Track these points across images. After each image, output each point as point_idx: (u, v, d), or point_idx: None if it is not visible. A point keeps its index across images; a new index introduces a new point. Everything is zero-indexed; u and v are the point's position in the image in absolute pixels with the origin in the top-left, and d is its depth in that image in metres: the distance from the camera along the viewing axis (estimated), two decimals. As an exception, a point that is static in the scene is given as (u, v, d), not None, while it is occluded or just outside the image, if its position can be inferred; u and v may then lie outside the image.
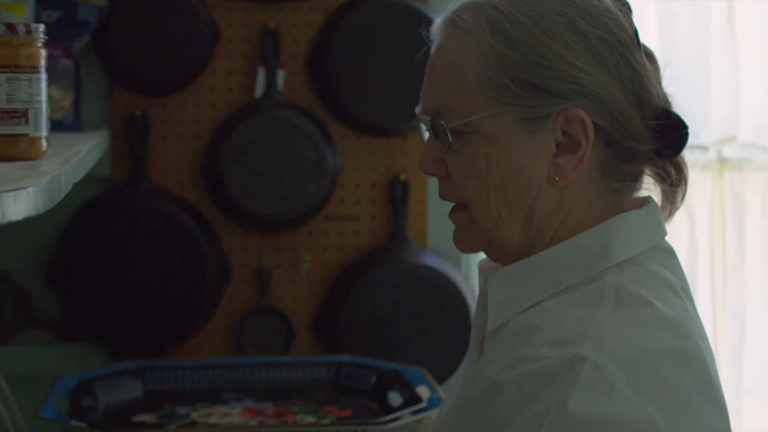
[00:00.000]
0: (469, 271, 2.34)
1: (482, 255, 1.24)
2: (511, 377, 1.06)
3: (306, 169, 2.22)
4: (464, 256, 2.36)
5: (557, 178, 1.14)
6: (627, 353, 1.05)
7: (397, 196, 2.29)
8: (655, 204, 1.22)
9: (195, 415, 1.89)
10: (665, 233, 1.21)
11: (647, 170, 1.23)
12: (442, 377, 2.19)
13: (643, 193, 1.23)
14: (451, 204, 1.22)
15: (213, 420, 1.86)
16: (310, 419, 1.86)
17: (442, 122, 1.16)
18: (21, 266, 2.24)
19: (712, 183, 2.49)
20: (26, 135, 1.35)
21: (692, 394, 1.07)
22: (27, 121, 1.35)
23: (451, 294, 2.24)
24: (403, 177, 2.29)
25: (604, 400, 1.02)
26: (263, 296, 2.27)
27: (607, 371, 1.03)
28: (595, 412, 1.02)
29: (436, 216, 2.33)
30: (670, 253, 1.20)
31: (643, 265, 1.15)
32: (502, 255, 1.19)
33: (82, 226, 2.20)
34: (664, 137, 1.18)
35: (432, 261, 2.27)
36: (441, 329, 2.24)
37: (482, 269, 1.24)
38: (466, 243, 1.21)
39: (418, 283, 2.24)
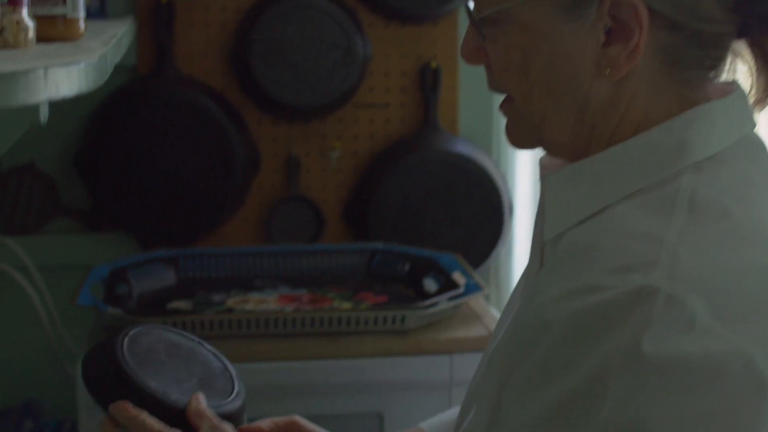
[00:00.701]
0: (499, 158, 2.32)
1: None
2: (566, 314, 0.92)
3: (335, 57, 2.19)
4: (495, 143, 2.34)
5: (609, 71, 1.00)
6: (706, 277, 0.92)
7: (427, 83, 2.26)
8: (742, 91, 1.05)
9: (230, 302, 1.88)
10: (754, 125, 1.05)
11: (732, 50, 1.04)
12: (474, 265, 2.18)
13: (728, 77, 1.06)
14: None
15: (249, 306, 1.86)
16: (347, 305, 1.86)
17: (474, 10, 1.04)
18: (47, 156, 2.22)
19: None
20: (64, 16, 1.33)
21: None
22: (64, 2, 1.33)
23: (483, 181, 2.22)
24: (434, 64, 2.25)
25: (684, 338, 0.89)
26: (292, 185, 2.25)
27: (684, 303, 0.90)
28: (677, 352, 0.89)
29: (466, 103, 2.30)
30: (760, 147, 1.04)
31: (727, 163, 1.00)
32: (556, 154, 1.07)
33: (108, 115, 2.17)
34: (751, 10, 1.01)
35: (463, 148, 2.24)
36: (472, 217, 2.22)
37: (544, 166, 1.12)
38: (516, 139, 1.09)
39: (448, 170, 2.22)
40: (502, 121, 2.28)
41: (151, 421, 1.16)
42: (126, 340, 1.23)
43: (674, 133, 1.00)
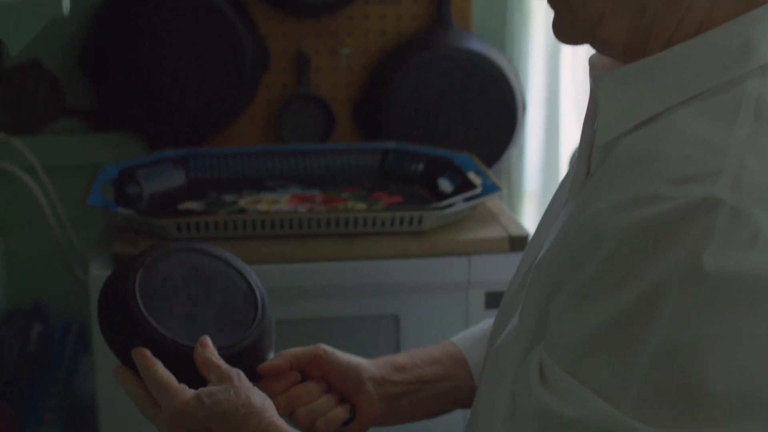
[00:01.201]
0: (513, 55, 2.27)
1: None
2: (621, 225, 0.88)
3: (345, -50, 2.13)
4: (508, 39, 2.28)
5: None
6: None
7: (439, -23, 2.20)
8: None
9: (242, 202, 1.85)
10: None
11: None
12: (487, 164, 2.14)
13: None
14: None
15: (262, 207, 1.83)
16: (361, 206, 1.83)
17: None
18: (52, 54, 2.16)
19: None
20: None
21: None
22: None
23: (496, 79, 2.17)
24: (446, -43, 2.20)
25: (748, 253, 0.85)
26: (302, 83, 2.21)
27: (749, 216, 0.85)
28: (739, 268, 0.85)
29: (479, -1, 2.25)
30: None
31: None
32: (607, 53, 1.01)
33: (115, 11, 2.11)
34: None
35: (476, 45, 2.19)
36: (486, 115, 2.18)
37: (594, 66, 1.06)
38: (564, 34, 1.03)
39: (461, 68, 2.17)
40: (516, 17, 2.25)
41: (162, 373, 1.14)
42: (140, 271, 1.19)
43: (739, 34, 0.94)
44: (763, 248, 0.85)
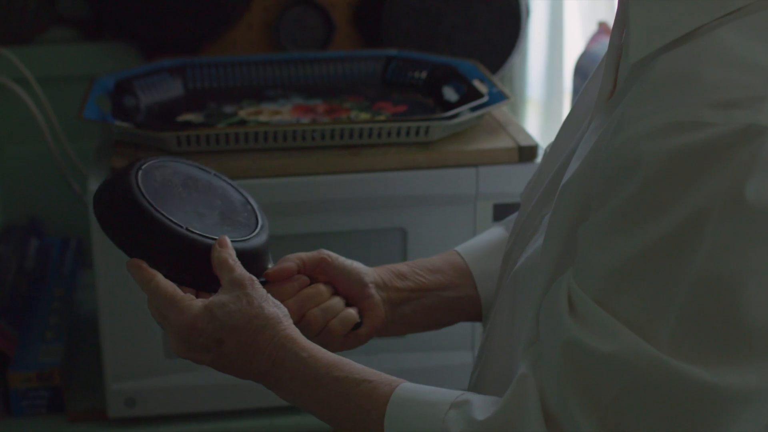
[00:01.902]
0: (517, -41, 2.20)
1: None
2: (660, 151, 0.84)
3: None
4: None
5: None
6: None
7: None
8: None
9: (243, 113, 1.80)
10: None
11: None
12: (491, 71, 2.09)
13: None
14: None
15: (263, 118, 1.78)
16: (365, 116, 1.78)
17: None
18: (41, -40, 2.09)
19: None
20: None
21: None
22: None
23: (500, -17, 2.11)
24: None
25: None
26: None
27: None
28: None
29: None
30: None
31: None
32: None
33: None
34: None
35: (479, -52, 2.12)
36: (489, 21, 2.12)
37: None
38: None
39: (464, -29, 2.11)
40: None
41: (165, 285, 1.09)
42: (139, 173, 1.14)
43: None
44: None
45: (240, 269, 1.11)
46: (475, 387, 1.18)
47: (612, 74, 1.00)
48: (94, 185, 1.62)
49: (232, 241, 1.15)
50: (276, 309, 1.09)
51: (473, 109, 1.73)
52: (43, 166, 2.05)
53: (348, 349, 1.22)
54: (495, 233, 1.33)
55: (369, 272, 1.24)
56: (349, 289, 1.23)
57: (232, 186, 1.25)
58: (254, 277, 1.11)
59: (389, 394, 1.02)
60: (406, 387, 1.03)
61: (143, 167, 1.16)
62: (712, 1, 0.89)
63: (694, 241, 0.83)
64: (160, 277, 1.10)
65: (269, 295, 1.11)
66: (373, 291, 1.23)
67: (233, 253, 1.12)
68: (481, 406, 0.97)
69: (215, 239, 1.14)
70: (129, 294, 1.50)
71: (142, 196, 1.12)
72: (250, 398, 1.70)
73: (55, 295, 1.91)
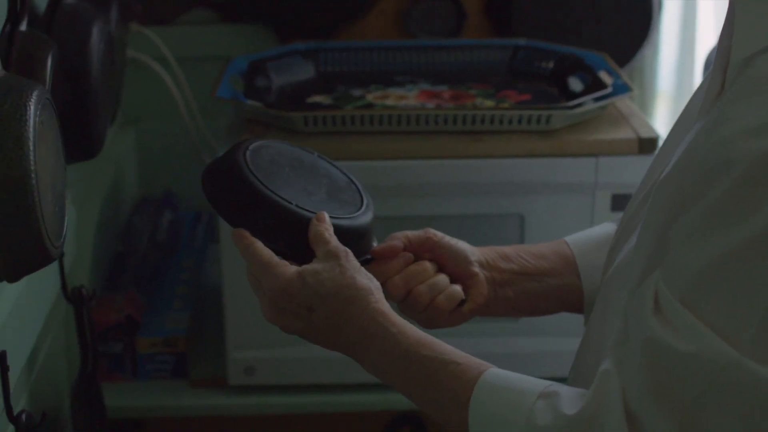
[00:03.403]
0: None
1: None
2: (753, 152, 0.83)
3: None
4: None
5: None
6: None
7: None
8: None
9: (370, 97, 1.84)
10: None
11: None
12: (619, 64, 2.10)
13: None
14: None
15: (389, 102, 1.82)
16: (489, 103, 1.80)
17: None
18: (185, -56, 2.17)
19: None
20: None
21: None
22: None
23: (632, -24, 2.12)
24: None
25: None
26: (433, -24, 2.18)
27: None
28: None
29: None
30: None
31: None
32: None
33: None
34: None
35: (612, -60, 2.13)
36: (619, 13, 2.12)
37: None
38: None
39: (597, -37, 2.11)
40: None
41: (263, 251, 1.11)
42: (248, 153, 1.17)
43: None
44: None
45: (335, 242, 1.12)
46: (573, 381, 1.18)
47: (720, 75, 0.98)
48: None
49: (338, 218, 1.17)
50: (368, 281, 1.10)
51: (596, 99, 1.74)
52: (179, 142, 2.13)
53: (452, 326, 1.24)
54: (607, 227, 1.33)
55: (474, 251, 1.26)
56: (454, 267, 1.24)
57: (336, 167, 1.27)
58: (348, 250, 1.12)
59: (477, 377, 1.02)
60: (495, 372, 1.03)
61: (251, 147, 1.19)
62: None
63: None
64: (259, 244, 1.12)
65: (362, 267, 1.12)
66: (477, 269, 1.24)
67: (330, 228, 1.13)
68: (570, 399, 0.97)
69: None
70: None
71: (251, 173, 1.15)
72: (366, 373, 1.74)
73: (185, 267, 1.98)
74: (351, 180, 1.26)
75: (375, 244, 1.23)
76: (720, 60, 0.99)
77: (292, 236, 1.14)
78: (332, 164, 1.27)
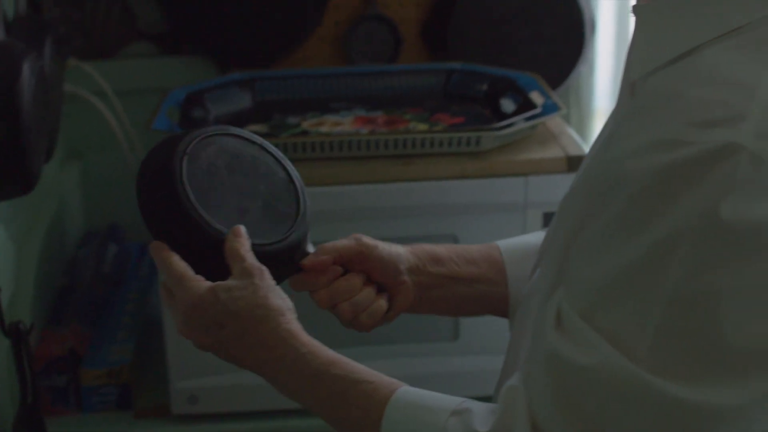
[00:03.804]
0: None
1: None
2: (642, 169, 0.85)
3: None
4: (577, -44, 2.25)
5: None
6: None
7: None
8: None
9: (306, 124, 1.87)
10: None
11: None
12: (555, 83, 2.13)
13: None
14: None
15: (324, 129, 1.84)
16: (423, 127, 1.83)
17: None
18: (123, -22, 2.19)
19: None
20: None
21: None
22: None
23: (564, -3, 2.15)
24: None
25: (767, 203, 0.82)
26: (370, 3, 2.21)
27: None
28: (758, 218, 0.82)
29: None
30: None
31: None
32: None
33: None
34: None
35: (544, -38, 2.17)
36: (554, 34, 2.16)
37: None
38: None
39: (529, -14, 2.15)
40: (584, -67, 2.21)
41: (178, 264, 1.10)
42: (185, 160, 1.13)
43: None
44: None
45: (251, 259, 1.10)
46: (496, 397, 1.19)
47: (629, 88, 0.99)
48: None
49: (269, 244, 1.16)
50: (281, 301, 1.09)
51: (527, 119, 1.77)
52: (122, 175, 2.14)
53: (373, 328, 1.24)
54: (539, 236, 1.34)
55: (405, 258, 1.26)
56: (383, 277, 1.24)
57: (277, 159, 1.24)
58: (264, 268, 1.11)
59: (389, 396, 1.02)
60: (407, 390, 1.03)
61: (189, 151, 1.14)
62: (711, 22, 0.89)
63: (671, 257, 0.84)
64: (176, 257, 1.11)
65: (277, 287, 1.12)
66: (405, 278, 1.24)
67: (247, 243, 1.11)
68: (482, 416, 0.98)
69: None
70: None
71: (182, 190, 1.11)
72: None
73: (130, 298, 2.00)
74: (290, 177, 1.23)
75: (309, 248, 1.22)
76: (625, 82, 1.01)
77: (213, 259, 1.12)
78: (273, 155, 1.24)
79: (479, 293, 1.28)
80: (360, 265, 1.24)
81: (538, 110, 1.80)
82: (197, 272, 1.11)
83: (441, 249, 1.29)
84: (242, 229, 1.12)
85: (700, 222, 0.82)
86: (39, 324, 1.82)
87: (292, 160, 1.69)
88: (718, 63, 0.87)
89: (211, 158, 1.17)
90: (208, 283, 1.09)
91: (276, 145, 1.68)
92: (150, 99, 2.01)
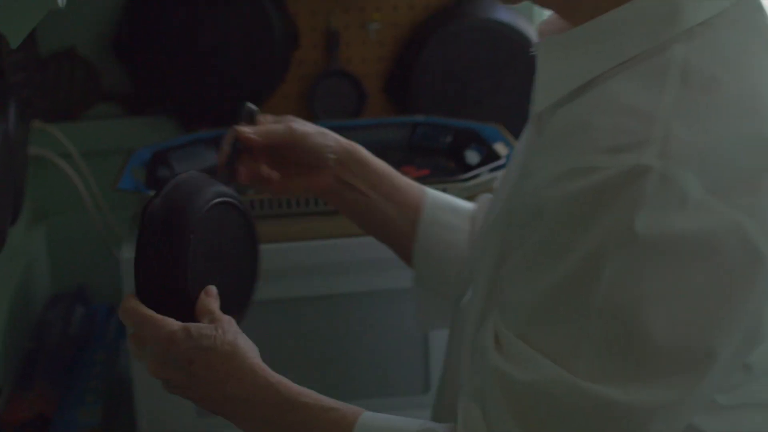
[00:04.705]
0: (542, 24, 2.26)
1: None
2: (560, 196, 0.93)
3: (370, -75, 2.14)
4: (536, 9, 2.27)
5: None
6: (698, 152, 0.91)
7: (465, -52, 2.20)
8: None
9: (271, 181, 1.87)
10: None
11: None
12: (517, 133, 2.14)
13: None
14: None
15: (290, 185, 1.85)
16: (387, 180, 1.84)
17: None
18: (87, 40, 2.20)
19: None
20: None
21: None
22: None
23: (525, 48, 2.15)
24: (471, -72, 2.19)
25: (678, 215, 0.90)
26: (333, 59, 2.22)
27: (678, 181, 0.90)
28: (670, 230, 0.90)
29: (506, -32, 2.23)
30: (759, 10, 1.02)
31: (720, 29, 0.98)
32: (546, 6, 1.07)
33: (144, -5, 2.14)
34: None
35: (504, 16, 2.19)
36: (515, 85, 2.18)
37: (542, 33, 1.12)
38: None
39: (490, 38, 2.17)
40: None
41: (146, 309, 1.14)
42: (192, 240, 1.17)
43: None
44: (692, 210, 0.90)
45: (218, 311, 1.16)
46: (434, 410, 1.29)
47: (536, 120, 1.09)
48: (128, 253, 1.69)
49: (237, 310, 1.23)
50: (248, 343, 1.14)
51: (492, 171, 1.78)
52: (89, 236, 2.13)
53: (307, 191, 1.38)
54: (467, 206, 1.43)
55: (334, 150, 1.37)
56: (308, 160, 1.35)
57: (249, 223, 1.29)
58: (232, 318, 1.16)
59: (354, 421, 1.07)
60: (371, 415, 1.09)
61: (194, 227, 1.17)
62: (605, 54, 0.98)
63: (596, 275, 0.91)
64: (143, 306, 1.15)
65: (243, 333, 1.16)
66: (329, 165, 1.35)
67: (217, 301, 1.17)
68: None
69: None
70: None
71: (183, 273, 1.16)
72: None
73: (98, 360, 1.98)
74: (255, 244, 1.30)
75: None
76: (533, 114, 1.10)
77: (185, 317, 1.17)
78: (248, 221, 1.29)
79: (387, 216, 1.39)
80: (287, 150, 1.35)
81: (502, 161, 1.81)
82: None
83: (375, 161, 1.40)
84: (213, 289, 1.18)
85: (618, 238, 0.90)
86: (6, 387, 1.81)
87: (260, 217, 1.71)
88: (618, 92, 0.95)
89: (209, 234, 1.21)
90: (180, 323, 1.13)
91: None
92: (116, 159, 2.01)
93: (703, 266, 0.91)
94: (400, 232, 1.39)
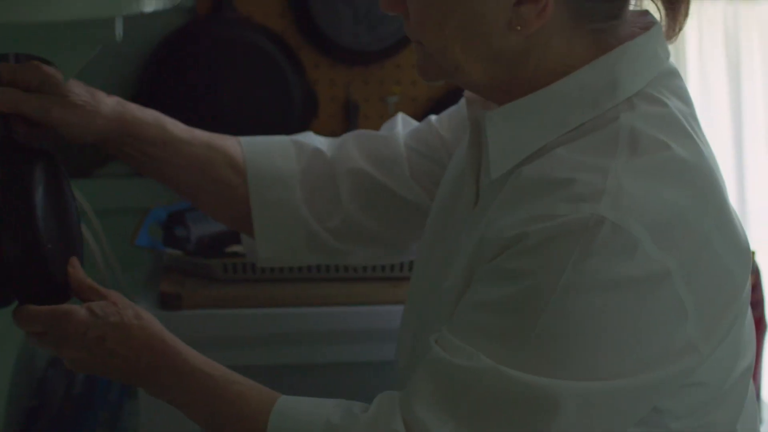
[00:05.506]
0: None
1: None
2: (521, 234, 1.03)
3: (395, -1, 2.14)
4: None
5: (519, 27, 1.07)
6: (647, 206, 1.02)
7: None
8: (659, 25, 1.14)
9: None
10: (669, 55, 1.14)
11: None
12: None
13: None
14: None
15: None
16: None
17: None
18: (103, 99, 2.18)
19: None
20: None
21: (710, 236, 1.05)
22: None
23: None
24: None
25: (626, 262, 1.00)
26: (350, 130, 2.21)
27: (628, 231, 1.00)
28: (616, 275, 1.00)
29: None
30: (674, 75, 1.13)
31: (653, 97, 1.09)
32: (474, 92, 1.17)
33: (165, 56, 2.14)
34: None
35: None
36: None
37: (470, 101, 1.19)
38: (428, 74, 1.16)
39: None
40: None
41: (45, 308, 1.16)
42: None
43: (604, 72, 1.08)
44: (640, 258, 1.00)
45: (103, 289, 1.21)
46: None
47: (473, 187, 1.18)
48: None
49: None
50: (146, 313, 1.19)
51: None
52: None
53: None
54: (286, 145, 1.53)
55: (101, 130, 1.45)
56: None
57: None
58: (118, 292, 1.21)
59: (272, 399, 1.12)
60: (289, 397, 1.13)
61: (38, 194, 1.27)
62: (553, 124, 1.08)
63: (541, 304, 1.00)
64: (33, 306, 1.17)
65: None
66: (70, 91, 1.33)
67: (83, 272, 1.22)
68: (361, 406, 1.10)
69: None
70: (171, 423, 1.53)
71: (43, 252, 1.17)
72: None
73: (100, 421, 1.94)
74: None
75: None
76: (471, 174, 1.18)
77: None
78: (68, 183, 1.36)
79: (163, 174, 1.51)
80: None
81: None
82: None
83: (153, 133, 1.51)
84: (76, 260, 1.24)
85: (570, 276, 0.99)
86: (8, 446, 1.76)
87: (276, 280, 1.70)
88: (573, 152, 1.05)
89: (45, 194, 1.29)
90: (82, 308, 1.16)
91: (254, 266, 1.69)
92: (128, 218, 2.00)
93: (636, 306, 1.00)
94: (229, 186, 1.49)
